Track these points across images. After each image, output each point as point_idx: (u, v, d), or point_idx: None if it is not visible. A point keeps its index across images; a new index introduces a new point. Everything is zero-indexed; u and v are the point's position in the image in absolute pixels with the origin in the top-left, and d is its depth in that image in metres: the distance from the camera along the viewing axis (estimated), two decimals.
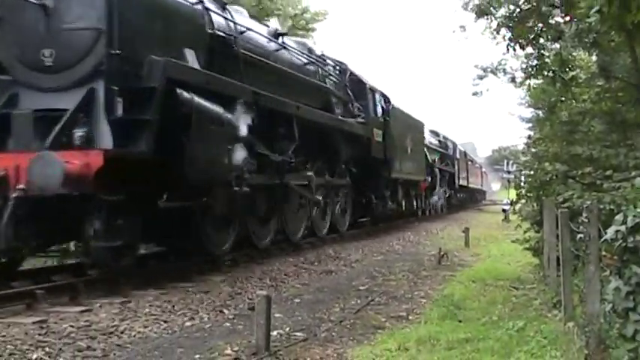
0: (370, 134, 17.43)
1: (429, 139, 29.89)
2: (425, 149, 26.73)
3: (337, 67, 16.89)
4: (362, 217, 19.59)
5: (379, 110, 18.93)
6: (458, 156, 37.92)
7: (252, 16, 12.78)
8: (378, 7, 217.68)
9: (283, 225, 12.88)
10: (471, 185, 45.36)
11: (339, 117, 15.34)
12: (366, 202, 18.72)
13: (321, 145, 14.50)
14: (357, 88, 17.47)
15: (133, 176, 7.86)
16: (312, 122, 13.15)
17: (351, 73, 17.58)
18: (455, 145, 37.75)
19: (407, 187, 23.53)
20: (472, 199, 51.87)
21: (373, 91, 18.68)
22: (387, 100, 20.00)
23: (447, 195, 34.28)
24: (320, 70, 15.12)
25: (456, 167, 36.95)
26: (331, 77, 15.97)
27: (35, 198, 7.23)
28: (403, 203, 23.41)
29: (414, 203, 26.41)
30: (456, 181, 36.94)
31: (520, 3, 12.03)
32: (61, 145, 7.45)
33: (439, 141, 33.84)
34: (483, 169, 62.29)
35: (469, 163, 45.05)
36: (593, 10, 6.87)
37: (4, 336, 5.80)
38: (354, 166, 17.06)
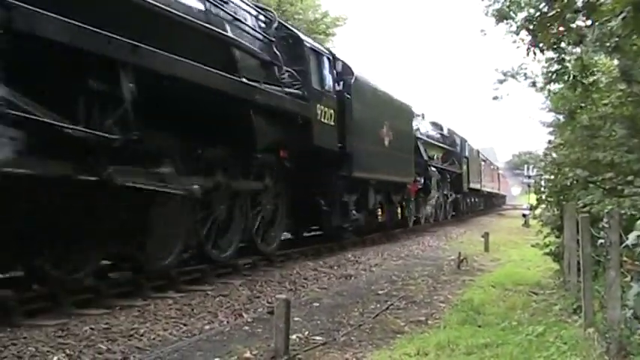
0: (311, 113, 12.28)
1: (427, 131, 25.97)
2: (420, 143, 22.73)
3: (259, 16, 11.59)
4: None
5: (329, 81, 13.50)
6: (467, 154, 32.27)
7: None
8: (397, 12, 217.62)
9: (132, 246, 8.31)
10: (485, 189, 40.34)
11: (244, 80, 9.76)
12: (316, 210, 14.10)
13: (217, 123, 9.25)
14: (292, 47, 12.37)
15: None
16: (181, 81, 7.98)
17: (281, 25, 12.26)
18: (463, 141, 31.98)
19: (386, 191, 18.45)
20: (487, 204, 47.40)
21: (318, 53, 13.24)
22: (347, 70, 14.85)
23: (451, 200, 30.04)
24: (213, 9, 9.57)
25: (465, 167, 31.56)
26: (240, 25, 10.42)
27: None
28: (379, 212, 18.87)
29: (399, 211, 21.09)
30: (465, 183, 31.68)
31: (541, 7, 11.94)
32: None
33: (441, 135, 28.87)
34: (500, 171, 59.02)
35: (482, 163, 39.61)
36: (620, 16, 6.81)
37: (25, 338, 5.86)
38: (289, 158, 12.13)
